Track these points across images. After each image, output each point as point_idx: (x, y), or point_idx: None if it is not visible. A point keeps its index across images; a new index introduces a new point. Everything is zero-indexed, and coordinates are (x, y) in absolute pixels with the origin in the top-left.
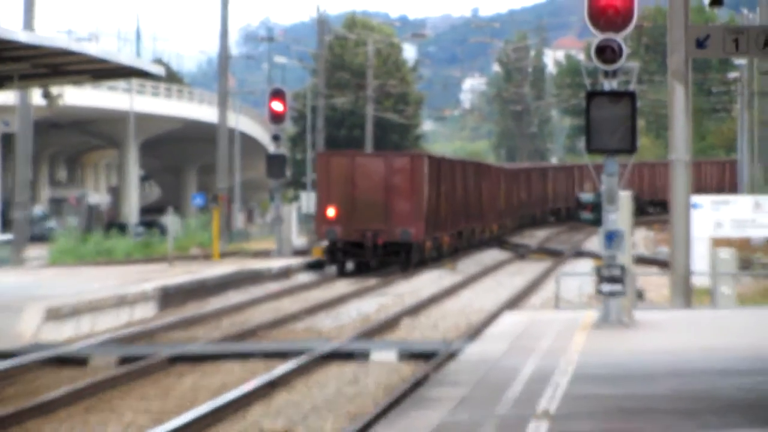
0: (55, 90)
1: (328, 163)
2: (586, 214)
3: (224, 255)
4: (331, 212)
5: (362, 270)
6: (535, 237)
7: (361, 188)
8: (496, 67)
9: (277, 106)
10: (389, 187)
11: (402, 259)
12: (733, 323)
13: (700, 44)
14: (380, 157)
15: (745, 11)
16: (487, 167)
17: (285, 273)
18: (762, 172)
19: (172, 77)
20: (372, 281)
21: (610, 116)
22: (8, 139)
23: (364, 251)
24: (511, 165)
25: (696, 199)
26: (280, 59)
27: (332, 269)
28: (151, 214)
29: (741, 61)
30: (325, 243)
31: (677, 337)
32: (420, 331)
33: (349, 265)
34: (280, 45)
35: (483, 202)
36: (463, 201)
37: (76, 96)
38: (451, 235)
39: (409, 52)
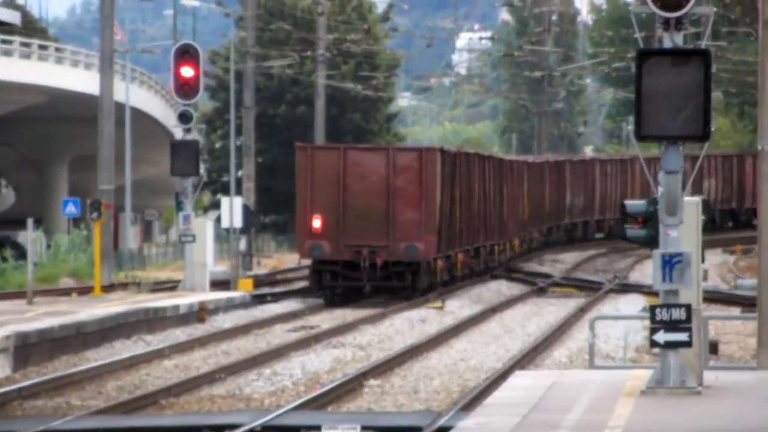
0: None
1: (311, 160)
2: (635, 230)
3: (109, 288)
4: (316, 223)
5: (352, 298)
6: (561, 262)
7: (354, 192)
8: (504, 15)
9: (187, 71)
10: (392, 190)
11: (407, 283)
12: None
13: None
14: (380, 152)
15: None
16: (510, 163)
17: (197, 314)
18: None
19: (31, 27)
20: (325, 325)
21: (671, 87)
22: None
23: (359, 273)
24: (534, 158)
25: None
26: (189, 2)
27: (271, 307)
28: (1, 229)
29: None
30: (304, 263)
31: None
32: (393, 399)
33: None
34: None
35: (504, 211)
36: (482, 209)
37: None
38: (466, 252)
39: None
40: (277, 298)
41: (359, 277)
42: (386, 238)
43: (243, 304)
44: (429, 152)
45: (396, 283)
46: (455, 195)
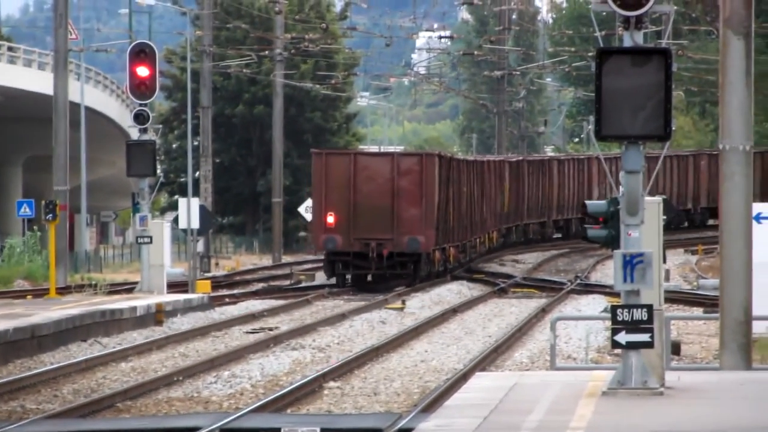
0: None
1: (325, 164)
2: (596, 230)
3: (65, 290)
4: (330, 219)
5: (361, 286)
6: (522, 262)
7: (363, 192)
8: (464, 14)
9: (142, 71)
10: (396, 190)
11: (410, 271)
12: None
13: None
14: (386, 157)
15: None
16: (494, 164)
17: (155, 316)
18: None
19: None
20: (284, 327)
21: (632, 86)
22: None
23: (368, 263)
24: (494, 157)
25: (760, 207)
26: (146, 1)
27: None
28: None
29: None
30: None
31: (729, 411)
32: (353, 401)
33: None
34: None
35: (484, 208)
36: (469, 207)
37: None
38: (456, 247)
39: None
40: (239, 298)
41: (368, 266)
42: (391, 232)
43: (201, 306)
44: (428, 157)
45: (400, 271)
46: (449, 195)
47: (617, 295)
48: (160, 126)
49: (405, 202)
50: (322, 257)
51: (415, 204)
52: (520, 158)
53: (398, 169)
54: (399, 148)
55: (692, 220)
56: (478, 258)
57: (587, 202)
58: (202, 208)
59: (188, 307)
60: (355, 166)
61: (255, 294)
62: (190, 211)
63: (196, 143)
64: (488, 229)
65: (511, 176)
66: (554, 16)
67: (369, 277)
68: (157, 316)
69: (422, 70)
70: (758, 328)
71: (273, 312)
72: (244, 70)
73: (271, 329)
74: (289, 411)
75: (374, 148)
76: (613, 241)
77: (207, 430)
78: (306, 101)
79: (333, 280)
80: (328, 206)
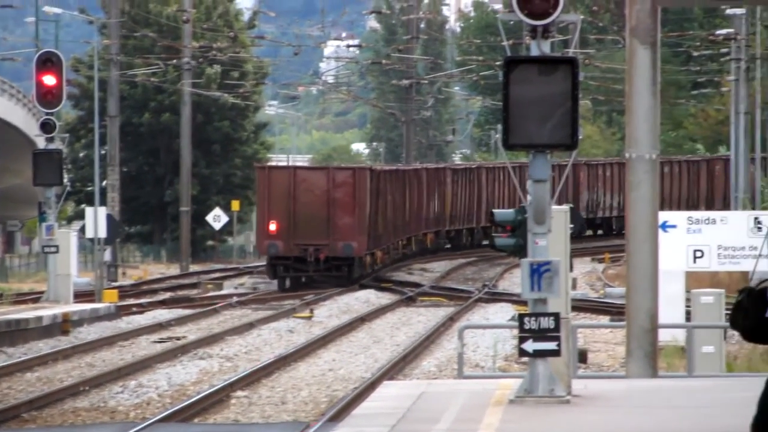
0: None
1: (268, 177)
2: (503, 239)
3: None
4: (272, 227)
5: (299, 286)
6: (430, 271)
7: (302, 202)
8: (372, 23)
9: (49, 79)
10: (331, 201)
11: (344, 273)
12: (717, 399)
13: None
14: (322, 171)
15: None
16: (414, 172)
17: (61, 325)
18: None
19: None
20: (191, 336)
21: (539, 95)
22: None
23: (306, 266)
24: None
25: (666, 216)
26: (52, 9)
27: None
28: None
29: (737, 9)
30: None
31: (635, 418)
32: (260, 410)
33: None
34: None
35: (411, 214)
36: (393, 215)
37: None
38: (383, 250)
39: None
40: (147, 307)
41: (306, 269)
42: (327, 238)
43: (108, 316)
44: (361, 171)
45: (335, 274)
46: (378, 204)
47: (524, 303)
48: (67, 135)
49: (340, 211)
50: (264, 262)
51: (348, 213)
52: (442, 166)
53: (334, 182)
54: (307, 158)
55: (606, 228)
56: (403, 260)
57: (495, 210)
58: (109, 217)
59: (95, 317)
60: (295, 179)
61: (162, 303)
62: (97, 220)
63: (103, 152)
64: (413, 233)
65: (436, 183)
66: (462, 25)
67: (303, 279)
68: (63, 325)
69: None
70: (664, 336)
71: (180, 321)
72: (152, 79)
73: (178, 338)
74: (196, 421)
75: (282, 158)
76: (520, 250)
77: None
78: (214, 109)
79: (275, 285)
80: (271, 215)
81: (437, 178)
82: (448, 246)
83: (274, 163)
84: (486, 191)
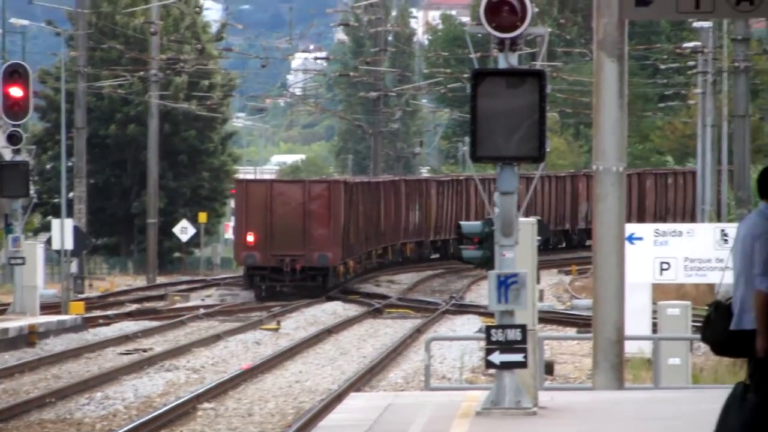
0: None
1: (246, 190)
2: (470, 251)
3: None
4: (250, 238)
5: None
6: (397, 283)
7: (279, 214)
8: (339, 35)
9: (16, 91)
10: (307, 213)
11: (319, 283)
12: (683, 411)
13: None
14: (298, 184)
15: None
16: (395, 184)
17: (27, 337)
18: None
19: None
20: (158, 348)
21: (506, 107)
22: None
23: (283, 276)
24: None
25: (633, 228)
26: (19, 21)
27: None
28: None
29: (704, 23)
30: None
31: (602, 430)
32: (227, 422)
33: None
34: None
35: (387, 225)
36: (365, 226)
37: None
38: (355, 260)
39: (213, 11)
40: (113, 319)
41: (282, 279)
42: (303, 249)
43: (74, 328)
44: (335, 184)
45: (311, 284)
46: (352, 216)
47: (491, 315)
48: (34, 147)
49: (315, 223)
50: (239, 273)
51: (324, 224)
52: (425, 178)
53: (309, 195)
54: (275, 169)
55: (570, 241)
56: (380, 269)
57: (462, 222)
58: (75, 229)
59: (61, 329)
60: (272, 192)
61: (129, 315)
62: (63, 232)
63: (70, 164)
64: (389, 243)
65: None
66: (430, 37)
67: (277, 288)
68: (29, 337)
69: (298, 91)
70: (630, 348)
71: (147, 333)
72: (119, 91)
73: (145, 350)
74: None
75: (250, 170)
76: (487, 262)
77: None
78: (181, 121)
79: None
80: (248, 227)
81: (418, 189)
82: (436, 256)
83: (252, 177)
84: (475, 202)
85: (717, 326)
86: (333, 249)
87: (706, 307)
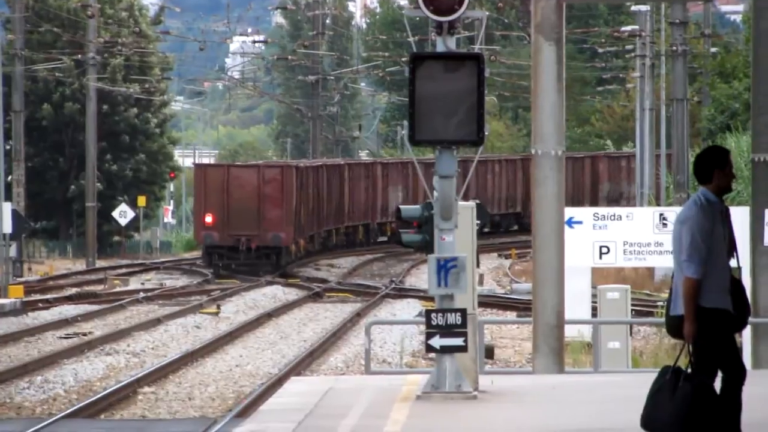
0: None
1: (204, 174)
2: (410, 235)
3: None
4: (208, 219)
5: (232, 272)
6: (337, 267)
7: (235, 197)
8: (278, 18)
9: None
10: (262, 195)
11: (273, 261)
12: (622, 394)
13: None
14: (253, 168)
15: None
16: (340, 168)
17: None
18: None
19: None
20: (98, 332)
21: (445, 91)
22: None
23: (239, 254)
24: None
25: (572, 212)
26: None
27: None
28: None
29: (642, 6)
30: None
31: (542, 414)
32: (167, 406)
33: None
34: None
35: (325, 207)
36: (315, 207)
37: None
38: (305, 239)
39: None
40: (53, 303)
41: (238, 258)
42: (258, 229)
43: (13, 311)
44: (288, 168)
45: (265, 261)
46: (303, 198)
47: (431, 299)
48: None
49: (269, 205)
50: (197, 253)
51: (277, 206)
52: (374, 161)
53: (263, 178)
54: (214, 153)
55: (522, 224)
56: (322, 248)
57: (401, 206)
58: (14, 212)
59: (1, 312)
60: (229, 176)
61: (68, 299)
62: (2, 215)
63: (8, 147)
64: (336, 225)
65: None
66: (368, 21)
67: (233, 265)
68: None
69: (236, 75)
70: (570, 332)
71: (87, 317)
72: (56, 74)
73: (84, 334)
74: (102, 416)
75: (189, 153)
76: (427, 246)
77: None
78: (118, 104)
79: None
80: (207, 208)
81: (366, 173)
82: (384, 238)
83: (208, 162)
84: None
85: (667, 310)
86: (286, 229)
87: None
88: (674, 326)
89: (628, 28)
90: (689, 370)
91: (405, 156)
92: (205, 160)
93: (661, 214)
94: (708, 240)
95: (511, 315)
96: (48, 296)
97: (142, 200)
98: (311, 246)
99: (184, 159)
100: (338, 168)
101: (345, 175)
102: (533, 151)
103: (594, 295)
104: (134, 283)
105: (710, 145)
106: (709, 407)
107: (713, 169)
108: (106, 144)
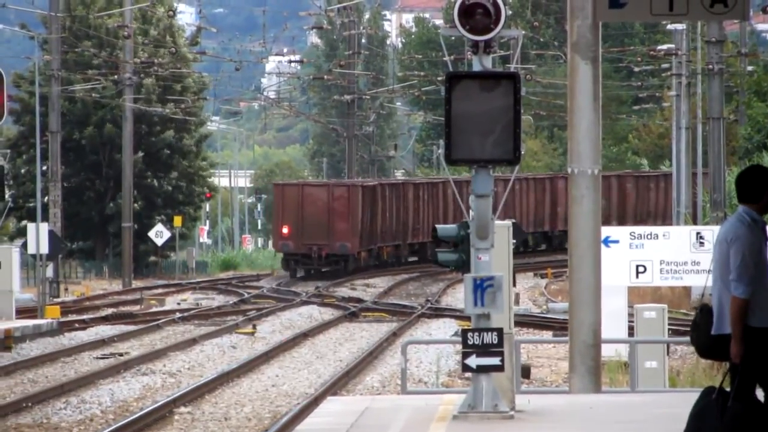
0: None
1: (282, 192)
2: (446, 254)
3: None
4: (285, 230)
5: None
6: (372, 287)
7: (308, 211)
8: (313, 38)
9: None
10: (331, 210)
11: (341, 267)
12: (660, 414)
13: (616, 1)
14: (324, 187)
15: None
16: (405, 186)
17: (3, 342)
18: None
19: None
20: (134, 353)
21: (481, 110)
22: None
23: (312, 261)
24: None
25: (609, 231)
26: None
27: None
28: None
29: (678, 25)
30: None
31: None
32: (203, 426)
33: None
34: None
35: (394, 222)
36: (381, 221)
37: None
38: (369, 251)
39: (187, 14)
40: (89, 323)
41: (311, 263)
42: (327, 239)
43: (50, 332)
44: (354, 186)
45: (334, 267)
46: (369, 213)
47: (468, 318)
48: (8, 150)
49: (337, 218)
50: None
51: (344, 219)
52: (442, 179)
53: (333, 196)
54: (250, 173)
55: (550, 243)
56: (387, 259)
57: (437, 226)
58: (51, 233)
59: (37, 333)
60: (303, 193)
61: (105, 319)
62: (39, 236)
63: (45, 168)
64: (401, 241)
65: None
66: (404, 40)
67: (311, 272)
68: (5, 341)
69: (272, 95)
70: (607, 351)
71: (123, 337)
72: (93, 94)
73: (121, 354)
74: None
75: (224, 173)
76: (463, 265)
77: None
78: (156, 124)
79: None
80: (284, 221)
81: (431, 191)
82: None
83: (287, 182)
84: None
85: (702, 330)
86: (352, 240)
87: (689, 311)
88: (714, 347)
89: (664, 46)
90: (731, 390)
91: (440, 175)
92: (241, 181)
93: (698, 233)
94: (757, 259)
95: (547, 334)
96: (84, 316)
97: (178, 220)
98: (376, 258)
99: (219, 179)
100: (402, 187)
101: (409, 195)
102: (569, 170)
103: (630, 315)
104: (170, 304)
105: (755, 164)
106: (760, 427)
107: (765, 188)
108: (143, 164)
